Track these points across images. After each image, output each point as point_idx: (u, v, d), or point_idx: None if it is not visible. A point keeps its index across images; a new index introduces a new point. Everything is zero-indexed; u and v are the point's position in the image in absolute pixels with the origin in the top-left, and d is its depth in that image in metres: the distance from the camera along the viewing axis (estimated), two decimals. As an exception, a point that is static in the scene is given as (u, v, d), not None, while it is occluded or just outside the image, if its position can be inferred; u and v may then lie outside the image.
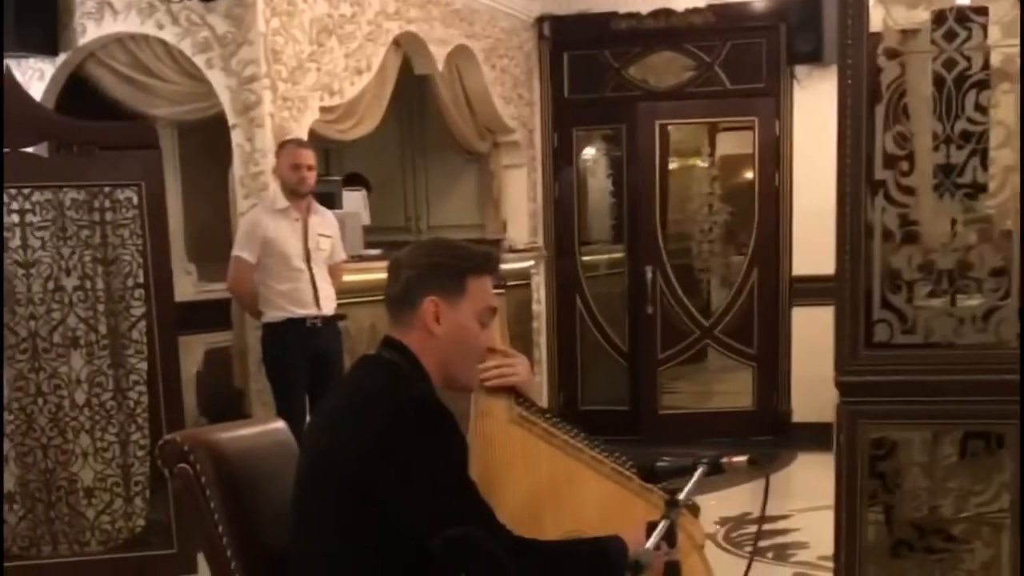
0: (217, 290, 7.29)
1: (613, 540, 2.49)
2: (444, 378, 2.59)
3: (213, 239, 7.40)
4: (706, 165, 9.37)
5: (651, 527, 2.24)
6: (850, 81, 3.96)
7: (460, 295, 2.55)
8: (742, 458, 2.53)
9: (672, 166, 9.32)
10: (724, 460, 2.52)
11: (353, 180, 8.60)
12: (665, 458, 2.54)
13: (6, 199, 5.33)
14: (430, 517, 2.36)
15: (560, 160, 9.33)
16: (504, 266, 6.34)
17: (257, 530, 2.57)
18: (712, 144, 9.35)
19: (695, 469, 2.48)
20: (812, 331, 8.37)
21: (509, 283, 7.94)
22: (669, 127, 9.19)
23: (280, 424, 2.88)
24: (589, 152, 9.68)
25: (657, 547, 2.22)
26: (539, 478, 2.70)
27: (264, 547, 2.56)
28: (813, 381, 8.23)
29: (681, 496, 2.37)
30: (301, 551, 2.49)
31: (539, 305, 9.18)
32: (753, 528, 6.24)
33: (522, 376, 2.76)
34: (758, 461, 2.51)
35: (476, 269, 2.58)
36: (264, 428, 2.85)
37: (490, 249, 2.68)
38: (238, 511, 2.54)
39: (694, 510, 2.68)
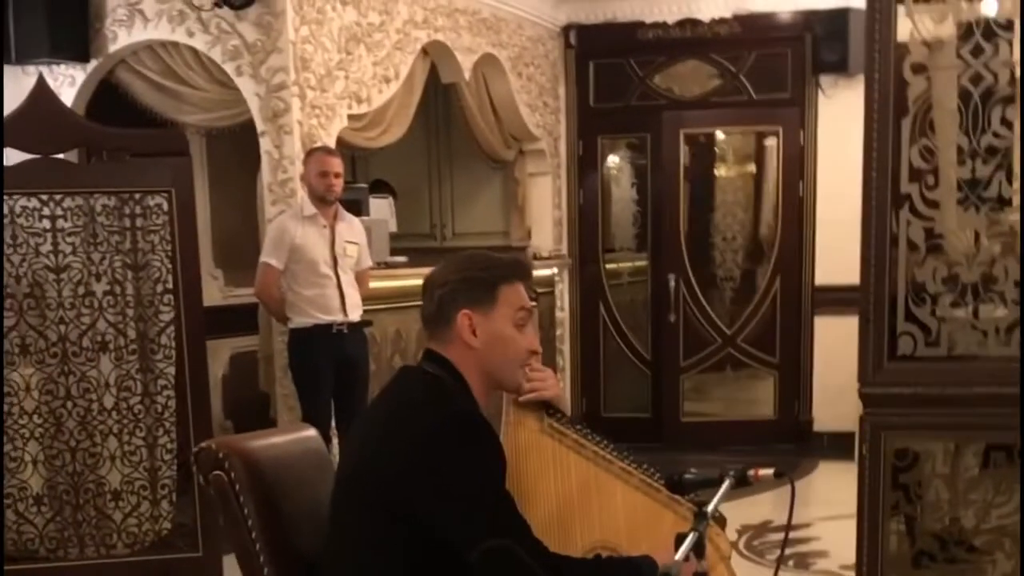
0: (244, 295, 7.34)
1: (644, 560, 2.52)
2: (488, 385, 2.62)
3: (240, 245, 7.45)
4: (751, 172, 9.38)
5: (680, 539, 2.26)
6: (877, 95, 3.97)
7: (492, 305, 2.58)
8: (769, 471, 2.54)
9: (720, 173, 9.35)
10: (751, 472, 2.53)
11: (379, 187, 8.64)
12: (692, 470, 2.56)
13: (38, 204, 5.39)
14: (469, 530, 2.38)
15: (585, 168, 9.36)
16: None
17: (289, 537, 2.59)
18: (759, 152, 9.34)
19: (722, 481, 2.50)
20: (834, 340, 8.38)
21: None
22: (716, 134, 9.28)
23: (312, 432, 2.91)
24: (613, 160, 9.69)
25: (686, 559, 2.24)
26: (569, 488, 2.73)
27: (296, 553, 2.58)
28: (835, 390, 8.28)
29: (709, 508, 2.39)
30: (335, 559, 2.52)
31: (563, 312, 9.21)
32: (774, 536, 6.25)
33: (552, 390, 2.79)
34: (785, 474, 2.53)
35: (506, 277, 2.60)
36: (296, 436, 2.88)
37: (519, 256, 2.70)
38: (271, 518, 2.57)
39: (720, 522, 2.71)
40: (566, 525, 2.68)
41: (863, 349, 4.17)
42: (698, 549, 2.26)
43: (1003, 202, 4.09)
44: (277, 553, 2.56)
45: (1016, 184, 4.06)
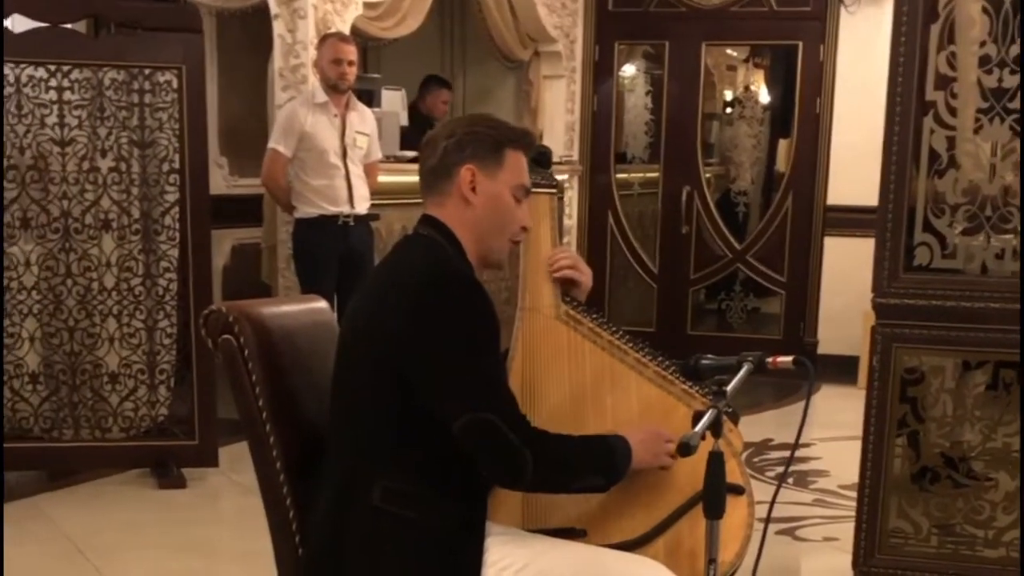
0: (247, 185, 7.26)
1: (619, 439, 2.48)
2: (479, 252, 2.52)
3: (247, 133, 7.36)
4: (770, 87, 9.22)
5: (697, 416, 2.21)
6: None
7: (497, 166, 2.48)
8: (787, 358, 2.49)
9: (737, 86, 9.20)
10: (769, 360, 2.48)
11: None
12: (709, 355, 2.51)
13: (44, 75, 5.30)
14: (453, 402, 2.33)
15: (600, 74, 9.17)
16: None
17: (296, 405, 2.52)
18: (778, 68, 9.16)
19: (740, 367, 2.44)
20: (842, 262, 8.32)
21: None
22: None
23: (323, 304, 2.83)
24: (629, 69, 9.54)
25: (703, 436, 2.18)
26: (583, 377, 2.66)
27: (301, 422, 2.52)
28: (841, 313, 8.23)
29: (728, 388, 2.34)
30: (338, 427, 2.46)
31: (571, 220, 9.11)
32: (775, 454, 6.23)
33: (587, 279, 2.75)
34: (804, 361, 2.47)
35: (513, 142, 2.51)
36: (307, 307, 2.79)
37: (529, 127, 2.60)
38: (278, 385, 2.49)
39: (734, 418, 2.65)
40: (579, 415, 2.62)
41: (879, 258, 4.12)
42: (715, 428, 2.21)
43: (1028, 115, 4.01)
44: (282, 421, 2.48)
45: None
